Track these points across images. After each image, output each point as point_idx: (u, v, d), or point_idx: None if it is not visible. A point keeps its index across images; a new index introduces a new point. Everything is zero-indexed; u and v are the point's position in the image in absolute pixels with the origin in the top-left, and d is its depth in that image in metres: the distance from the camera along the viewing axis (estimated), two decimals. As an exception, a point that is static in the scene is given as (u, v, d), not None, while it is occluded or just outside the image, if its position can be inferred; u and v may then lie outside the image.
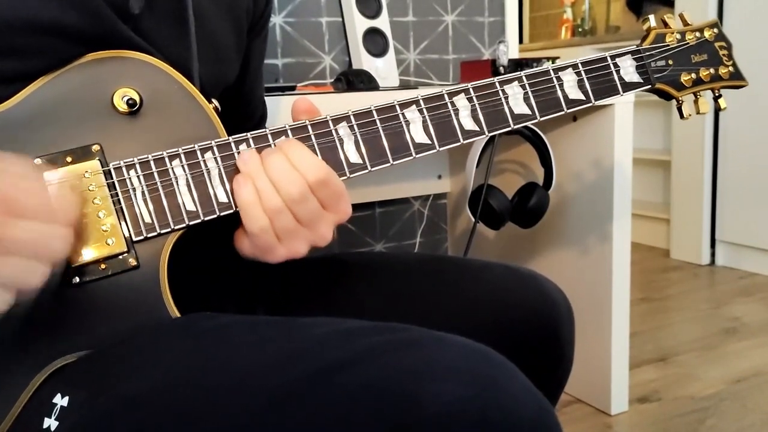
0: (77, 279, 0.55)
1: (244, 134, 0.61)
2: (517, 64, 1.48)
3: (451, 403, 0.43)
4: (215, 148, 0.60)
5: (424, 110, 0.67)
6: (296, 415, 0.45)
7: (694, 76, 0.79)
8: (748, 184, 2.53)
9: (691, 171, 2.69)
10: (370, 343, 0.48)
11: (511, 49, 1.84)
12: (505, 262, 0.78)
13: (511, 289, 0.73)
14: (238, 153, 0.61)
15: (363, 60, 1.42)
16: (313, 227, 0.60)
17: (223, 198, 0.60)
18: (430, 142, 0.66)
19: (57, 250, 0.49)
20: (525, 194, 1.40)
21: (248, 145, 0.61)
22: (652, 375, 1.75)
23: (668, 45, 0.78)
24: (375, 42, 1.45)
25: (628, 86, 0.75)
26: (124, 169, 0.58)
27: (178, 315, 0.59)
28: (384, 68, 1.44)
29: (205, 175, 0.60)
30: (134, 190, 0.58)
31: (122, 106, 0.59)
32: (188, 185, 0.59)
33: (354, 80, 1.30)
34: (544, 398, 0.48)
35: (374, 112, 0.65)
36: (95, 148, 0.58)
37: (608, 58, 0.74)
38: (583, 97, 0.73)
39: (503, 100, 0.69)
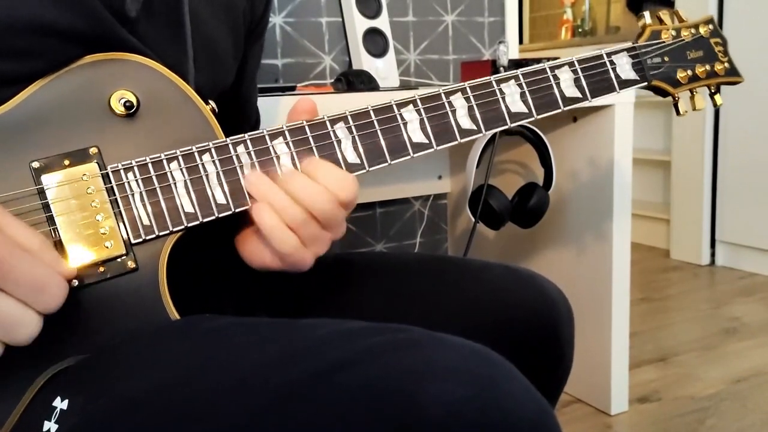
0: (76, 282, 0.55)
1: (242, 135, 0.61)
2: (517, 65, 1.47)
3: (451, 403, 0.43)
4: (213, 150, 0.60)
5: (421, 110, 0.66)
6: (296, 415, 0.45)
7: (689, 72, 0.79)
8: (748, 184, 2.53)
9: (691, 171, 2.69)
10: (369, 344, 0.48)
11: (511, 50, 1.84)
12: (504, 263, 0.78)
13: (510, 290, 0.73)
14: (236, 155, 0.61)
15: (363, 60, 1.42)
16: (335, 228, 0.62)
17: (221, 200, 0.60)
18: (427, 141, 0.66)
19: (22, 337, 0.48)
20: (525, 194, 1.40)
21: (246, 147, 0.61)
22: (652, 375, 1.75)
23: (663, 42, 0.77)
24: (375, 42, 1.45)
25: (624, 83, 0.75)
26: (122, 171, 0.58)
27: (178, 317, 0.59)
28: (384, 68, 1.44)
29: (203, 177, 0.60)
30: (132, 192, 0.58)
31: (119, 109, 0.58)
32: (186, 187, 0.59)
33: (354, 80, 1.30)
34: (543, 399, 0.48)
35: (371, 112, 0.65)
36: (93, 150, 0.57)
37: (604, 56, 0.74)
38: (580, 95, 0.73)
39: (500, 98, 0.69)
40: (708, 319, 2.14)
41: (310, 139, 0.63)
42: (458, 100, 0.68)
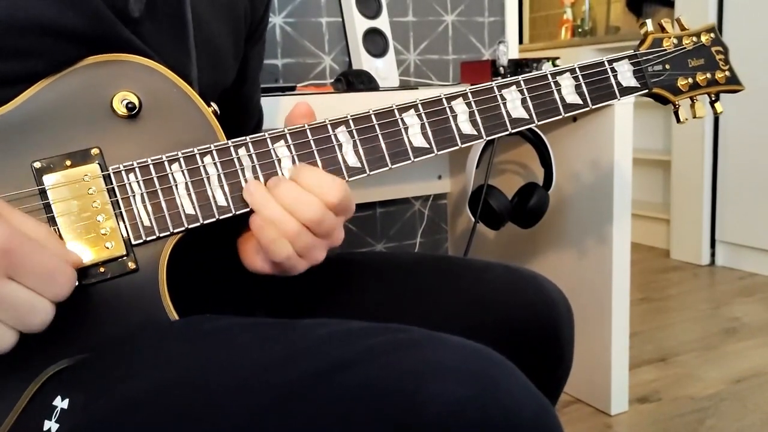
0: (76, 282, 0.55)
1: (244, 138, 0.61)
2: (517, 65, 1.48)
3: (452, 403, 0.43)
4: (214, 152, 0.60)
5: (423, 115, 0.67)
6: (297, 415, 0.45)
7: (690, 80, 0.79)
8: (748, 184, 2.53)
9: (691, 171, 2.69)
10: (370, 344, 0.48)
11: (511, 50, 1.84)
12: (505, 263, 0.78)
13: (511, 290, 0.73)
14: (237, 158, 0.61)
15: (363, 60, 1.42)
16: (331, 237, 0.62)
17: (222, 202, 0.60)
18: (428, 146, 0.67)
19: (35, 323, 0.49)
20: (525, 194, 1.40)
21: (247, 149, 0.61)
22: (652, 375, 1.75)
23: (665, 49, 0.78)
24: (375, 42, 1.45)
25: (625, 91, 0.75)
26: (123, 173, 0.58)
27: (177, 318, 0.59)
28: (384, 68, 1.44)
29: (205, 179, 0.60)
30: (133, 193, 0.58)
31: (121, 110, 0.58)
32: (187, 189, 0.59)
33: (354, 81, 1.31)
34: (544, 398, 0.48)
35: (373, 116, 0.65)
36: (94, 151, 0.58)
37: (605, 63, 0.75)
38: (581, 102, 0.73)
39: (501, 104, 0.70)
40: (708, 319, 2.14)
41: (312, 142, 0.63)
42: (459, 106, 0.68)
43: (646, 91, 0.77)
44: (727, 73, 0.81)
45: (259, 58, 0.83)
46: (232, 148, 0.61)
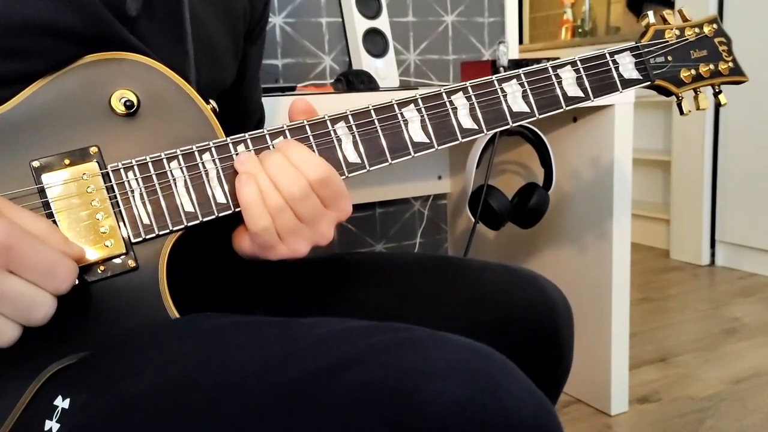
0: (76, 281, 0.55)
1: (242, 135, 0.61)
2: (517, 65, 1.48)
3: (452, 402, 0.43)
4: (213, 149, 0.60)
5: (423, 109, 0.66)
6: (297, 414, 0.45)
7: (693, 72, 0.78)
8: (748, 184, 2.53)
9: (691, 171, 2.69)
10: (370, 343, 0.48)
11: (511, 50, 1.84)
12: (504, 263, 0.78)
13: (510, 290, 0.73)
14: (236, 154, 0.61)
15: (363, 60, 1.42)
16: (314, 225, 0.60)
17: (221, 199, 0.60)
18: (428, 141, 0.66)
19: (38, 317, 0.49)
20: (525, 194, 1.40)
21: (246, 146, 0.61)
22: (652, 375, 1.75)
23: (667, 41, 0.77)
24: (375, 42, 1.45)
25: (627, 83, 0.75)
26: (122, 171, 0.58)
27: (178, 316, 0.59)
28: (384, 69, 1.44)
29: (203, 176, 0.60)
30: (132, 191, 0.58)
31: (120, 108, 0.58)
32: (186, 186, 0.59)
33: (354, 81, 1.31)
34: (544, 398, 0.48)
35: (372, 111, 0.65)
36: (93, 150, 0.57)
37: (607, 55, 0.74)
38: (582, 95, 0.72)
39: (502, 98, 0.69)
40: (708, 320, 2.14)
41: (311, 138, 0.63)
42: (459, 100, 0.68)
43: (649, 83, 0.76)
44: (730, 64, 0.80)
45: (258, 56, 0.83)
46: (230, 145, 0.61)
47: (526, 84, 0.70)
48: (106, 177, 0.57)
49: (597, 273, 1.49)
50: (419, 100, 0.66)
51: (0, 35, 0.54)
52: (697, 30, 0.79)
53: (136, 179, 0.58)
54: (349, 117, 0.64)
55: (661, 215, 2.93)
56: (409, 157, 0.66)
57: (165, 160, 0.59)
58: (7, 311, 0.48)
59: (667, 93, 0.79)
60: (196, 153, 0.60)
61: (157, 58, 0.61)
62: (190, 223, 0.59)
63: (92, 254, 0.56)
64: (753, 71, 2.55)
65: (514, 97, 0.69)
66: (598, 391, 1.55)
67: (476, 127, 0.68)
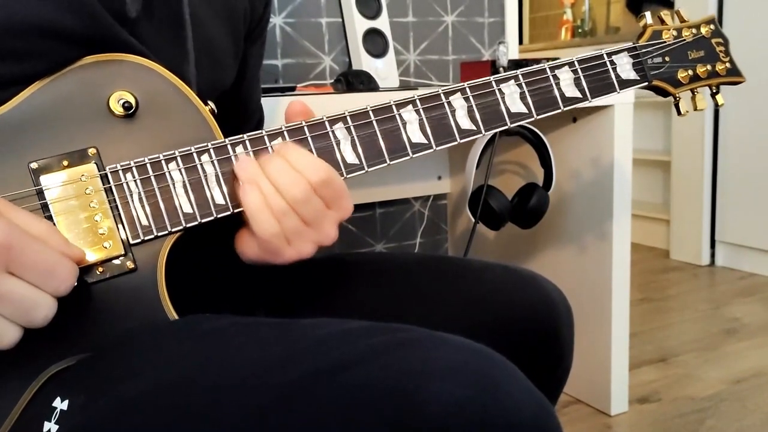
0: (77, 276, 0.55)
1: (241, 136, 0.61)
2: (517, 65, 1.47)
3: (451, 403, 0.43)
4: (212, 151, 0.60)
5: (421, 110, 0.66)
6: (297, 415, 0.45)
7: (691, 72, 0.78)
8: (748, 184, 2.53)
9: (691, 171, 2.69)
10: (370, 343, 0.48)
11: (511, 50, 1.84)
12: (504, 263, 0.78)
13: (510, 290, 0.73)
14: (235, 156, 0.61)
15: (363, 61, 1.42)
16: (318, 226, 0.61)
17: (220, 200, 0.60)
18: (426, 141, 0.66)
19: (38, 318, 0.49)
20: (525, 195, 1.40)
21: (245, 147, 0.61)
22: (652, 375, 1.75)
23: (665, 42, 0.77)
24: (375, 42, 1.45)
25: (624, 83, 0.75)
26: (120, 172, 0.58)
27: (176, 317, 0.59)
28: (384, 69, 1.44)
29: (202, 177, 0.60)
30: (131, 193, 0.58)
31: (118, 109, 0.58)
32: (185, 188, 0.59)
33: (354, 81, 1.30)
34: (544, 398, 0.48)
35: (371, 112, 0.65)
36: (92, 151, 0.57)
37: (605, 56, 0.74)
38: (580, 95, 0.73)
39: (500, 98, 0.69)
40: (708, 320, 2.14)
41: (309, 139, 0.63)
42: (458, 101, 0.68)
43: (646, 83, 0.76)
44: (727, 64, 0.80)
45: (258, 57, 0.83)
46: (229, 147, 0.61)
47: (524, 85, 0.70)
48: (104, 178, 0.57)
49: (597, 273, 1.49)
50: (417, 101, 0.66)
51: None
52: (694, 31, 0.79)
53: (135, 181, 0.58)
54: (348, 118, 0.64)
55: (661, 215, 2.93)
56: (407, 157, 0.66)
57: (163, 162, 0.59)
58: (7, 312, 0.48)
59: (664, 93, 0.79)
60: (195, 154, 0.60)
61: (156, 59, 0.61)
62: (188, 225, 0.59)
63: (91, 255, 0.56)
64: (753, 71, 2.55)
65: (512, 97, 0.69)
66: (598, 391, 1.55)
67: (474, 127, 0.68)
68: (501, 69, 1.44)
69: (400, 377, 0.45)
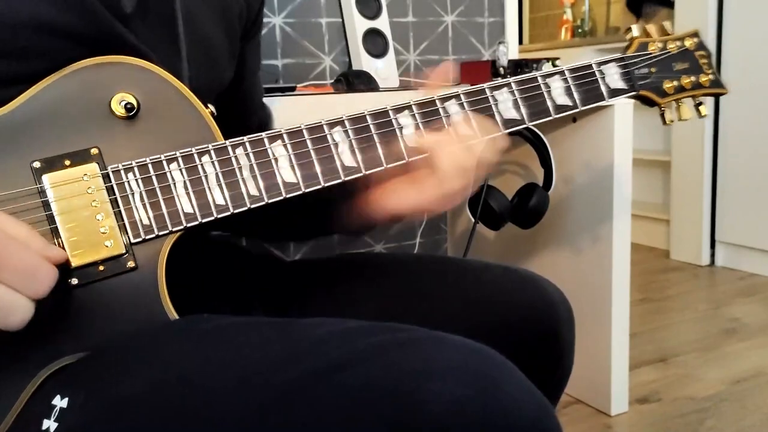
0: (75, 281, 0.55)
1: (241, 138, 0.62)
2: (517, 65, 1.48)
3: (451, 402, 0.43)
4: (212, 152, 0.61)
5: (417, 115, 0.67)
6: (297, 414, 0.45)
7: (676, 83, 0.81)
8: (748, 184, 2.53)
9: (691, 171, 2.69)
10: (370, 343, 0.48)
11: (510, 50, 1.84)
12: (504, 263, 0.78)
13: (510, 290, 0.73)
14: (235, 157, 0.61)
15: (363, 61, 1.42)
16: None
17: (220, 200, 0.60)
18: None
19: (15, 321, 0.48)
20: (525, 195, 1.40)
21: (245, 149, 0.62)
22: (652, 376, 1.75)
23: (650, 53, 0.80)
24: (375, 43, 1.44)
25: (613, 92, 0.77)
26: (122, 172, 0.58)
27: (176, 316, 0.59)
28: (384, 69, 1.44)
29: (203, 178, 0.60)
30: (132, 192, 0.58)
31: (120, 111, 0.59)
32: (186, 188, 0.60)
33: (354, 81, 1.31)
34: (544, 398, 0.48)
35: (368, 116, 0.66)
36: (94, 151, 0.58)
37: (594, 66, 0.76)
38: (571, 103, 0.74)
39: (493, 105, 0.71)
40: (708, 320, 2.14)
41: (308, 142, 0.63)
42: (453, 107, 0.69)
43: (634, 93, 0.79)
44: (711, 76, 0.83)
45: (256, 55, 0.83)
46: (229, 148, 0.61)
47: (516, 92, 0.72)
48: (106, 178, 0.58)
49: (597, 273, 1.49)
50: (413, 107, 0.68)
51: (0, 35, 0.54)
52: (678, 43, 0.81)
53: (136, 180, 0.58)
54: (346, 122, 0.65)
55: (661, 215, 2.93)
56: (404, 161, 0.67)
57: (165, 162, 0.59)
58: None
59: (651, 103, 0.81)
60: (196, 155, 0.60)
61: (155, 59, 0.61)
62: (189, 224, 0.59)
63: (92, 254, 0.56)
64: (753, 71, 2.56)
65: (506, 105, 0.71)
66: (598, 391, 1.55)
67: (470, 133, 0.69)
68: (501, 69, 1.44)
69: (400, 377, 0.45)
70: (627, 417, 1.54)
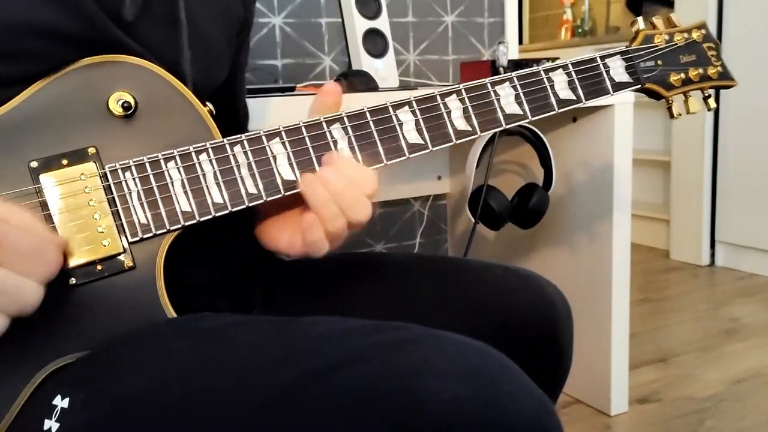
0: (74, 280, 0.55)
1: (239, 136, 0.62)
2: (516, 65, 1.47)
3: (451, 401, 0.43)
4: (210, 150, 0.61)
5: (417, 111, 0.67)
6: (297, 413, 0.45)
7: (683, 76, 0.79)
8: (748, 184, 2.53)
9: (691, 171, 2.69)
10: (369, 342, 0.48)
11: (510, 50, 1.84)
12: (504, 263, 0.78)
13: (510, 290, 0.73)
14: (233, 155, 0.61)
15: (363, 61, 1.42)
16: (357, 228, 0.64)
17: (218, 199, 0.60)
18: (423, 142, 0.67)
19: (26, 305, 0.49)
20: (525, 195, 1.40)
21: (243, 147, 0.61)
22: (652, 376, 1.75)
23: (656, 46, 0.78)
24: (375, 43, 1.44)
25: (618, 86, 0.76)
26: (119, 171, 0.58)
27: (175, 315, 0.59)
28: (384, 69, 1.44)
29: (201, 176, 0.60)
30: (130, 191, 0.58)
31: (117, 110, 0.59)
32: (183, 187, 0.59)
33: (354, 81, 1.30)
34: (545, 396, 0.48)
35: (367, 113, 0.65)
36: (91, 150, 0.58)
37: (598, 59, 0.75)
38: (574, 97, 0.73)
39: (495, 100, 0.70)
40: (708, 320, 2.14)
41: (307, 139, 0.63)
42: (453, 102, 0.68)
43: (639, 86, 0.77)
44: (719, 68, 0.81)
45: (245, 54, 0.83)
46: (227, 146, 0.61)
47: (518, 87, 0.71)
48: (103, 177, 0.58)
49: (597, 273, 1.49)
50: (413, 102, 0.67)
51: None
52: (686, 35, 0.80)
53: (134, 179, 0.58)
54: (345, 119, 0.64)
55: (661, 215, 2.93)
56: (404, 158, 0.66)
57: (162, 161, 0.59)
58: None
59: (657, 96, 0.80)
60: (193, 154, 0.60)
61: (153, 56, 0.61)
62: (187, 223, 0.59)
63: (89, 253, 0.56)
64: (753, 71, 2.55)
65: (508, 99, 0.70)
66: (598, 391, 1.55)
67: (470, 128, 0.69)
68: (501, 69, 1.44)
69: (400, 376, 0.45)
70: (627, 417, 1.54)
